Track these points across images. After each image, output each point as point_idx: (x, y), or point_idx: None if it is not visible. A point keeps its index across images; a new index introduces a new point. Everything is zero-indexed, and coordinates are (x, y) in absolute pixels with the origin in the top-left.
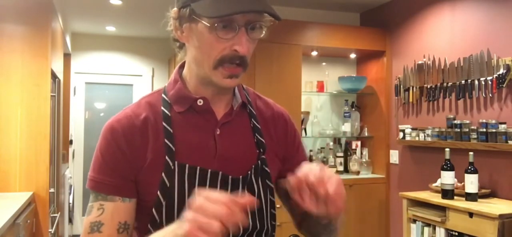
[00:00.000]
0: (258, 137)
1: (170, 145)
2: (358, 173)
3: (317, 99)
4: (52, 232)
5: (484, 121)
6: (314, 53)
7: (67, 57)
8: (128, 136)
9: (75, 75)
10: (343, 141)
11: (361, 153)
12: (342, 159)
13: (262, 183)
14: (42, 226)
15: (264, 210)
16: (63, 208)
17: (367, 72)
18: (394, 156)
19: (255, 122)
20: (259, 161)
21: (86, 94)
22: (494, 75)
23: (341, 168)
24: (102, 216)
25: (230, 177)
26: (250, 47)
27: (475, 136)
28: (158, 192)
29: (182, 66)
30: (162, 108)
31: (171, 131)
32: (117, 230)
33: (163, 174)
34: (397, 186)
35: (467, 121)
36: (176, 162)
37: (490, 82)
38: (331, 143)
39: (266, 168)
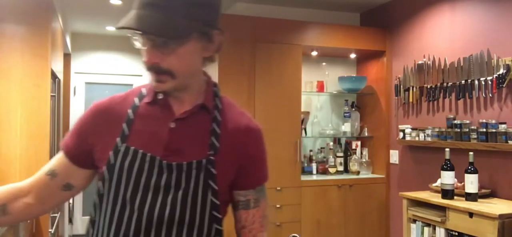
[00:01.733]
0: (214, 140)
1: (126, 129)
2: (358, 173)
3: (317, 99)
4: (52, 232)
5: (484, 121)
6: (314, 53)
7: (67, 57)
8: (100, 115)
9: (75, 75)
10: (343, 141)
11: (361, 153)
12: (342, 159)
13: (204, 181)
14: (42, 226)
15: (200, 207)
16: (63, 208)
17: (367, 72)
18: (394, 156)
19: (215, 127)
20: (204, 160)
21: (86, 94)
22: (494, 75)
23: (341, 168)
24: (53, 161)
25: (165, 162)
26: (165, 59)
27: (475, 136)
28: (104, 167)
29: None
30: (135, 98)
31: (132, 118)
32: (46, 172)
33: (111, 152)
34: (397, 186)
35: (467, 121)
36: (124, 144)
37: (490, 82)
38: (331, 143)
39: (212, 169)
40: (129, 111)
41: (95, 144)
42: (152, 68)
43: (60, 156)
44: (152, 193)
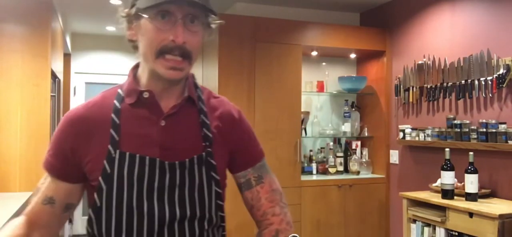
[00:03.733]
0: (206, 131)
1: (114, 135)
2: (358, 173)
3: (317, 99)
4: None
5: (484, 121)
6: (314, 53)
7: (67, 57)
8: (77, 126)
9: (75, 75)
10: (343, 141)
11: (361, 153)
12: (342, 159)
13: (207, 173)
14: None
15: (207, 199)
16: None
17: (367, 72)
18: (394, 156)
19: (204, 118)
20: (203, 153)
21: (86, 94)
22: (494, 75)
23: (341, 168)
24: (42, 185)
25: (166, 162)
26: (190, 39)
27: (475, 136)
28: (100, 178)
29: (137, 66)
30: (115, 101)
31: (118, 122)
32: (42, 202)
33: (105, 161)
34: (397, 186)
35: (467, 121)
36: (118, 151)
37: (490, 82)
38: (331, 143)
39: (212, 161)
40: (113, 115)
41: (82, 156)
42: (176, 49)
43: (49, 180)
44: (157, 195)
